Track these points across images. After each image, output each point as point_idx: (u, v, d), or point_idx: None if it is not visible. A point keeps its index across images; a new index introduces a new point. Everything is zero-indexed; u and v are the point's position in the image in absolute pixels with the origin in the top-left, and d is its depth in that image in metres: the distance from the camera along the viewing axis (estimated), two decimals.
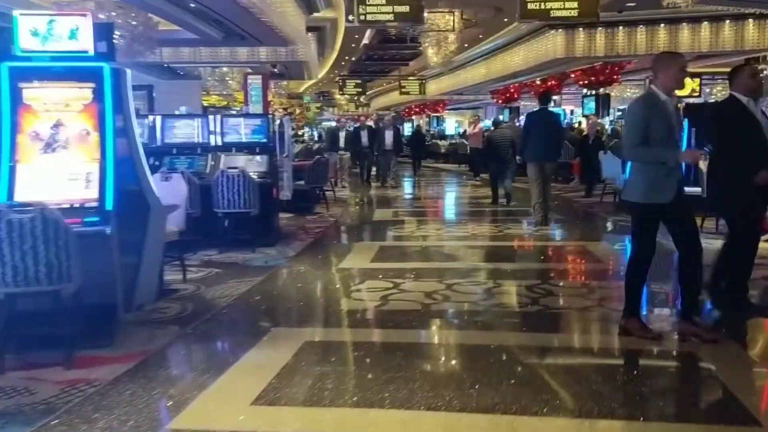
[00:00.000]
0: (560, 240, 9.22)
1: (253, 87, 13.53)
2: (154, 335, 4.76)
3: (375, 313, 5.30)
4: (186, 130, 8.72)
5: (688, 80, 23.56)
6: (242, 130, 8.70)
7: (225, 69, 19.96)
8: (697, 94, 23.57)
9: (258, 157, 8.60)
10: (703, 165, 9.16)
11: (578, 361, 4.19)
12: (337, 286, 6.32)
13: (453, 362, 4.29)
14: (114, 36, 10.33)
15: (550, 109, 10.84)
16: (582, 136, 14.15)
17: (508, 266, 7.24)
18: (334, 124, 31.27)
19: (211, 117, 8.81)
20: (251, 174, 8.14)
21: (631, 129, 4.49)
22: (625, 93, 32.17)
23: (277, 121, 9.13)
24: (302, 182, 11.31)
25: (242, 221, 7.96)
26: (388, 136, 16.68)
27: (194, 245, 7.73)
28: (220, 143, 8.64)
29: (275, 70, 20.63)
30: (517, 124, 19.91)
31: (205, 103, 23.25)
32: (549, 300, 5.62)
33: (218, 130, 8.61)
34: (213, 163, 8.51)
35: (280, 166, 9.07)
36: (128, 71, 5.31)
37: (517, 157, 12.06)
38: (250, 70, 16.61)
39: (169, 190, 6.33)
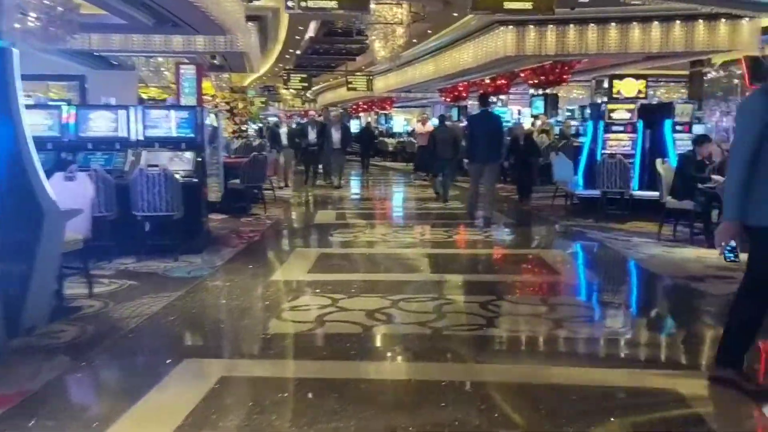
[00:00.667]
0: (512, 247, 8.66)
1: (186, 78, 12.56)
2: (39, 369, 3.95)
3: (307, 339, 4.57)
4: (104, 123, 7.82)
5: (633, 81, 23.59)
6: (167, 124, 7.86)
7: (161, 59, 18.89)
8: (643, 95, 23.60)
9: (186, 154, 7.78)
10: (660, 168, 8.75)
11: (546, 402, 3.55)
12: (267, 303, 5.54)
13: (396, 406, 3.57)
14: (29, 18, 9.36)
15: (491, 111, 10.82)
16: (513, 138, 13.38)
17: (459, 278, 6.61)
18: (276, 119, 30.17)
19: (132, 109, 7.91)
20: (177, 172, 7.34)
21: (743, 134, 3.53)
22: (571, 94, 32.23)
23: (210, 115, 8.27)
24: (237, 181, 10.50)
25: (164, 225, 7.14)
26: (336, 133, 15.70)
27: (110, 252, 6.90)
28: (142, 138, 7.78)
29: (215, 61, 19.71)
30: (462, 123, 19.42)
31: (145, 96, 22.04)
32: (505, 321, 5.00)
33: (140, 123, 7.75)
34: (134, 159, 7.65)
35: (209, 163, 8.25)
36: (15, 51, 4.47)
37: (464, 161, 12.02)
38: (186, 61, 15.61)
39: (72, 191, 5.49)
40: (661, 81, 27.42)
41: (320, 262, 7.23)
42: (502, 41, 15.98)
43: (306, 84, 26.98)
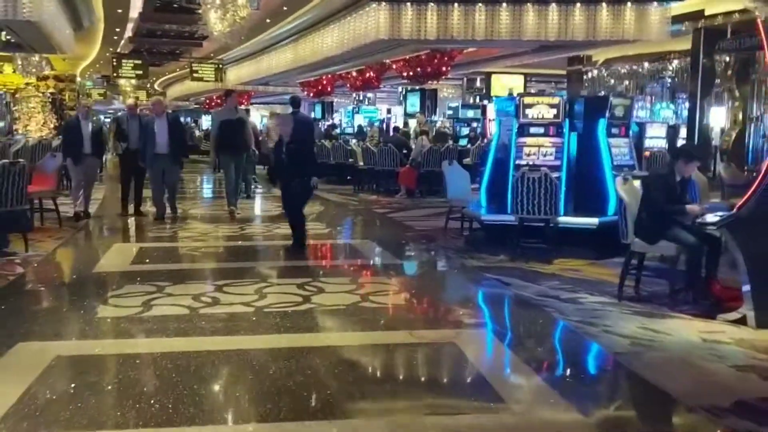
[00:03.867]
0: (405, 321, 5.44)
1: None
2: None
3: None
4: None
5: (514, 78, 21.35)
6: None
7: None
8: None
9: None
10: (621, 190, 5.92)
11: None
12: None
13: None
14: None
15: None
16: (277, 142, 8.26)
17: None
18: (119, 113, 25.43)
19: None
20: None
21: None
22: (441, 92, 29.89)
23: None
24: None
25: None
26: (161, 131, 9.80)
27: None
28: None
29: (9, 38, 15.50)
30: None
31: None
32: None
33: None
34: None
35: None
36: None
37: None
38: None
39: None
40: (533, 80, 25.58)
41: (39, 386, 3.66)
42: (373, 22, 12.88)
43: (140, 72, 22.62)
